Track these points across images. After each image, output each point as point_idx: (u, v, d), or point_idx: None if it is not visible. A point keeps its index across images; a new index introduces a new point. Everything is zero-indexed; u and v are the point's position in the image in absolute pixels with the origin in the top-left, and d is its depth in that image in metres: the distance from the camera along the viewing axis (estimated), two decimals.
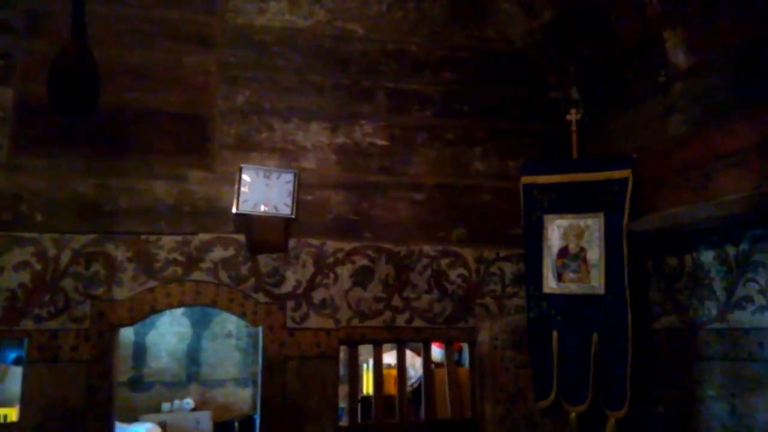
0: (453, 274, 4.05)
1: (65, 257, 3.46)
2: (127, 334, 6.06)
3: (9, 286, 3.37)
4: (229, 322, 6.30)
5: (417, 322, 3.93)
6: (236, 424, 5.87)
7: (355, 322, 3.83)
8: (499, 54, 4.29)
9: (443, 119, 4.18)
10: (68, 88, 2.89)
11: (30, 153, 3.48)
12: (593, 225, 3.78)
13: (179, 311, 6.21)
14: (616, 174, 3.72)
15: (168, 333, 6.13)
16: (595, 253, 3.74)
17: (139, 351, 6.02)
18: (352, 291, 3.86)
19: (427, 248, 4.03)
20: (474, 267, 4.06)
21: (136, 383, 5.96)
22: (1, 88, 3.46)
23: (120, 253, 3.54)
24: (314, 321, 3.76)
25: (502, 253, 4.12)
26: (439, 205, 4.09)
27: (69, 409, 3.33)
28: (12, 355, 5.22)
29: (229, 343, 6.25)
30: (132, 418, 5.62)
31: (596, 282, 3.73)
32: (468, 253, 4.09)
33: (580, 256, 3.79)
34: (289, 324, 3.72)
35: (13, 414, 4.06)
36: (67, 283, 3.44)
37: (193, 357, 6.15)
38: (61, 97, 2.91)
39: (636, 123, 3.77)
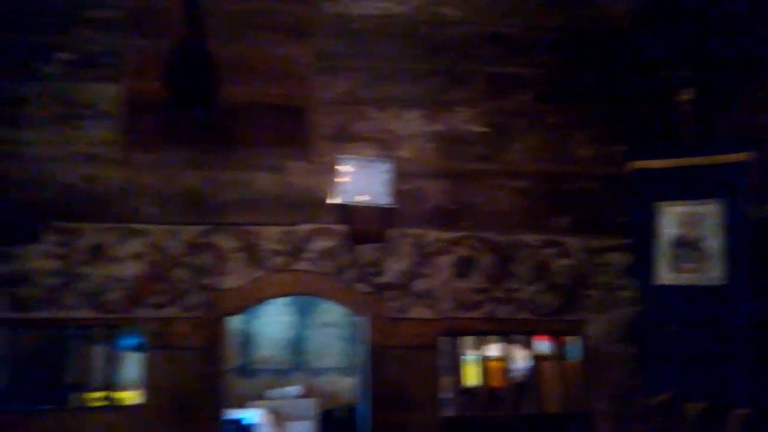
0: (558, 265, 3.89)
1: (177, 248, 3.62)
2: (234, 322, 6.30)
3: (126, 277, 3.56)
4: (331, 312, 6.41)
5: (521, 314, 3.82)
6: (340, 413, 5.97)
7: (457, 313, 3.77)
8: (601, 34, 4.07)
9: (543, 103, 4.01)
10: (187, 83, 2.99)
11: (141, 149, 3.65)
12: (711, 212, 3.51)
13: (283, 300, 6.38)
14: (736, 157, 3.43)
15: (273, 322, 6.32)
16: (713, 242, 3.47)
17: (247, 339, 6.25)
18: (453, 281, 3.79)
19: (530, 238, 3.89)
20: (580, 257, 3.88)
21: (244, 370, 6.18)
22: (111, 86, 3.64)
23: (228, 244, 3.66)
24: (415, 311, 3.74)
25: (610, 243, 3.91)
26: (541, 193, 3.94)
27: (184, 394, 3.49)
28: (130, 342, 5.55)
29: (332, 332, 6.36)
30: (240, 404, 5.84)
31: (715, 272, 3.46)
32: (573, 243, 3.92)
33: (697, 245, 3.53)
34: (391, 314, 3.72)
35: (130, 398, 4.30)
36: (180, 273, 3.60)
37: (297, 345, 6.31)
38: (180, 92, 3.01)
39: (755, 102, 3.45)
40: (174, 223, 3.62)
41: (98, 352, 3.62)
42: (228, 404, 5.76)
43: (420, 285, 3.77)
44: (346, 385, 6.30)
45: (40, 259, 3.49)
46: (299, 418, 5.79)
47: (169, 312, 3.56)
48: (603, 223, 3.94)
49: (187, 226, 3.63)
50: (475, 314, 3.78)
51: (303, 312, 6.39)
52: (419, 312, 3.74)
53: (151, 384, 3.50)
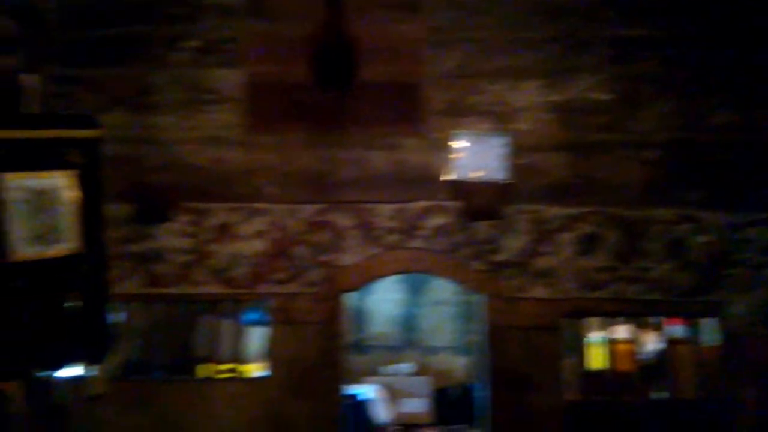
0: (693, 242, 3.61)
1: (297, 226, 3.69)
2: (348, 299, 6.39)
3: (250, 253, 3.68)
4: (443, 290, 6.34)
5: (651, 295, 3.59)
6: (455, 392, 5.92)
7: (581, 293, 3.60)
8: None
9: (674, 67, 3.70)
10: (330, 64, 3.03)
11: (261, 130, 3.73)
12: None
13: (395, 278, 6.38)
14: None
15: (385, 299, 6.35)
16: None
17: (360, 316, 6.32)
18: (576, 260, 3.62)
19: (662, 213, 3.63)
20: (719, 233, 3.58)
21: (358, 347, 6.27)
22: (232, 71, 3.74)
23: (344, 222, 3.68)
24: (536, 291, 3.61)
25: (752, 217, 3.58)
26: (673, 164, 3.66)
27: (306, 368, 3.58)
28: (252, 317, 5.77)
29: (444, 311, 6.30)
30: (354, 379, 5.94)
31: None
32: (710, 218, 3.62)
33: None
34: (509, 293, 3.61)
35: (254, 370, 4.47)
36: (300, 250, 3.67)
37: (409, 323, 6.31)
38: (323, 74, 3.07)
39: None
40: (294, 202, 3.69)
41: (225, 325, 3.77)
42: (345, 379, 5.89)
43: (540, 263, 3.63)
44: (460, 365, 6.23)
45: (172, 237, 3.67)
46: (413, 395, 5.80)
47: (290, 288, 3.65)
48: (744, 196, 3.60)
49: (306, 205, 3.69)
50: (600, 294, 3.60)
51: (415, 290, 6.36)
52: (539, 291, 3.60)
53: (274, 357, 3.62)
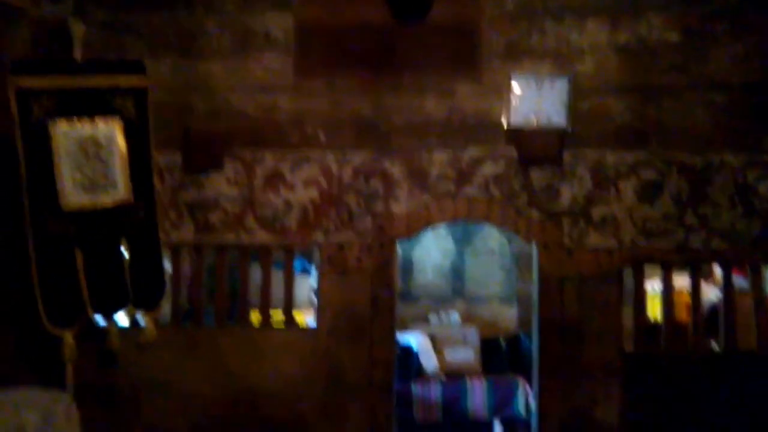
0: (763, 188, 3.43)
1: (347, 174, 3.62)
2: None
3: (301, 201, 3.64)
4: (491, 240, 6.28)
5: (715, 243, 3.43)
6: (502, 342, 5.91)
7: (641, 241, 3.46)
8: None
9: (749, 4, 3.45)
10: None
11: (311, 75, 3.64)
12: None
13: (443, 228, 6.34)
14: None
15: (433, 249, 6.32)
16: None
17: (407, 266, 6.32)
18: (638, 207, 3.48)
19: (730, 158, 3.45)
20: None
21: (405, 296, 6.27)
22: (281, 14, 3.63)
23: (396, 170, 3.60)
24: (594, 239, 3.49)
25: None
26: (745, 107, 3.46)
27: (357, 316, 3.57)
28: (298, 265, 5.81)
29: (492, 261, 6.24)
30: (402, 328, 5.96)
31: None
32: None
33: None
34: (567, 242, 3.50)
35: (304, 319, 4.51)
36: (350, 199, 3.62)
37: (457, 273, 6.28)
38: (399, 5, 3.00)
39: None
40: (344, 149, 3.61)
41: (276, 274, 3.76)
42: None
43: (599, 211, 3.49)
44: (508, 315, 6.21)
45: (222, 185, 3.65)
46: (460, 344, 5.81)
47: (341, 236, 3.61)
48: None
49: (357, 152, 3.61)
50: (662, 243, 3.46)
51: (463, 240, 6.31)
52: (597, 240, 3.48)
53: (325, 305, 3.60)
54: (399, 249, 6.29)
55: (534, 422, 3.50)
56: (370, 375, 3.53)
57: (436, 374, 5.55)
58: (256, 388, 3.58)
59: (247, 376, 3.58)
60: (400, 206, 3.61)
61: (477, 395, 5.32)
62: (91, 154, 3.16)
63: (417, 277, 6.36)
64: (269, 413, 3.56)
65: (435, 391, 5.32)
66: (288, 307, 3.71)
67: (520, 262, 6.22)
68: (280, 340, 3.62)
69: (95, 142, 3.17)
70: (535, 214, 3.53)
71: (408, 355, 5.43)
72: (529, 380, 5.41)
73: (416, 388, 5.32)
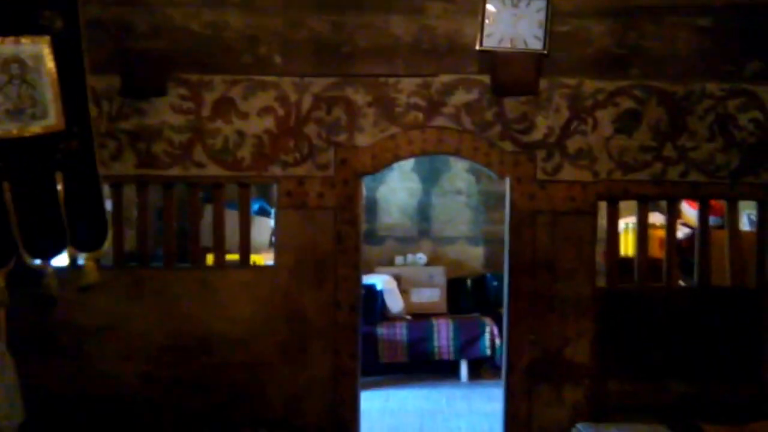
0: (744, 119, 3.28)
1: (306, 102, 3.33)
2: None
3: (255, 132, 3.34)
4: (458, 179, 6.09)
5: (693, 176, 3.28)
6: (469, 282, 5.80)
7: (617, 174, 3.30)
8: None
9: None
10: None
11: None
12: None
13: (408, 166, 6.12)
14: None
15: (398, 188, 6.11)
16: None
17: (371, 206, 6.11)
18: (614, 139, 3.29)
19: (712, 87, 3.27)
20: None
21: (370, 237, 6.09)
22: None
23: (360, 98, 3.33)
24: (569, 173, 3.30)
25: None
26: (730, 32, 3.26)
27: (319, 254, 3.35)
28: (255, 206, 5.53)
29: (459, 201, 6.07)
30: (367, 269, 5.80)
31: None
32: (765, 93, 3.26)
33: None
34: (540, 176, 3.31)
35: (261, 260, 4.28)
36: (310, 129, 3.34)
37: (423, 213, 6.10)
38: None
39: None
40: (303, 75, 3.31)
41: (233, 215, 3.51)
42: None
43: (575, 143, 3.30)
44: (475, 255, 6.09)
45: (167, 113, 3.33)
46: (426, 285, 5.68)
47: (300, 170, 3.35)
48: None
49: (317, 78, 3.31)
50: (639, 176, 3.29)
51: (429, 179, 6.11)
52: (573, 173, 3.30)
53: (285, 243, 3.37)
54: (363, 187, 6.10)
55: (503, 362, 3.38)
56: (333, 316, 3.34)
57: (402, 315, 5.43)
58: (211, 333, 3.36)
59: (200, 319, 3.35)
60: (364, 138, 3.35)
61: (443, 336, 5.23)
62: (16, 77, 2.80)
63: (382, 218, 6.16)
64: (225, 358, 3.35)
65: (401, 332, 5.21)
66: (244, 248, 3.46)
67: (488, 201, 6.07)
68: (236, 280, 3.39)
69: (20, 64, 2.81)
70: (508, 146, 3.32)
71: (373, 296, 5.28)
72: (495, 320, 5.35)
73: (382, 330, 5.20)
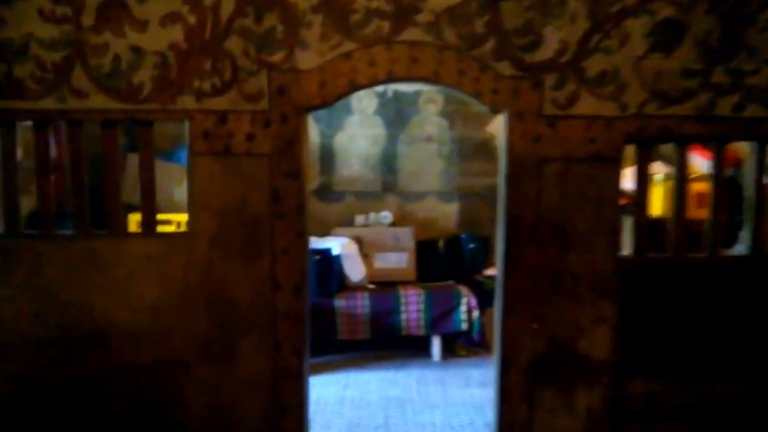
0: None
1: (228, 5, 2.39)
2: (311, 135, 5.22)
3: (157, 48, 2.40)
4: (429, 124, 5.20)
5: (751, 110, 2.47)
6: (441, 244, 4.99)
7: (651, 107, 2.46)
8: None
9: None
10: None
11: None
12: None
13: (371, 108, 5.20)
14: None
15: (359, 135, 5.21)
16: None
17: (327, 156, 5.20)
18: (649, 59, 2.44)
19: None
20: None
21: (325, 193, 5.21)
22: None
23: (302, 1, 2.40)
24: (587, 105, 2.45)
25: None
26: None
27: (249, 220, 2.46)
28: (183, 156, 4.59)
29: (430, 149, 5.20)
30: (322, 232, 4.93)
31: None
32: None
33: None
34: (549, 109, 2.46)
35: (180, 221, 3.37)
36: (233, 45, 2.41)
37: (388, 164, 5.22)
38: None
39: None
40: None
41: (131, 159, 2.57)
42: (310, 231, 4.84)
43: (596, 64, 2.44)
44: (448, 213, 5.26)
45: (34, 21, 2.36)
46: (392, 248, 4.85)
47: (221, 102, 2.44)
48: None
49: None
50: (679, 110, 2.47)
51: (395, 124, 5.21)
52: (593, 106, 2.46)
53: (201, 204, 2.47)
54: (316, 134, 5.20)
55: (496, 359, 2.57)
56: (271, 300, 2.48)
57: (364, 284, 4.60)
58: (107, 323, 2.49)
59: (91, 305, 2.48)
60: (309, 57, 2.44)
61: (412, 308, 4.42)
62: None
63: (340, 170, 5.26)
64: (127, 356, 2.49)
65: (362, 304, 4.39)
66: (147, 211, 2.54)
67: (463, 149, 5.22)
68: (138, 252, 2.48)
69: None
70: (505, 68, 2.44)
71: (329, 263, 4.43)
72: (472, 289, 4.57)
73: (339, 302, 4.36)
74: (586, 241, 2.48)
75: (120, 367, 2.50)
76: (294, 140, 2.48)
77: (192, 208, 2.48)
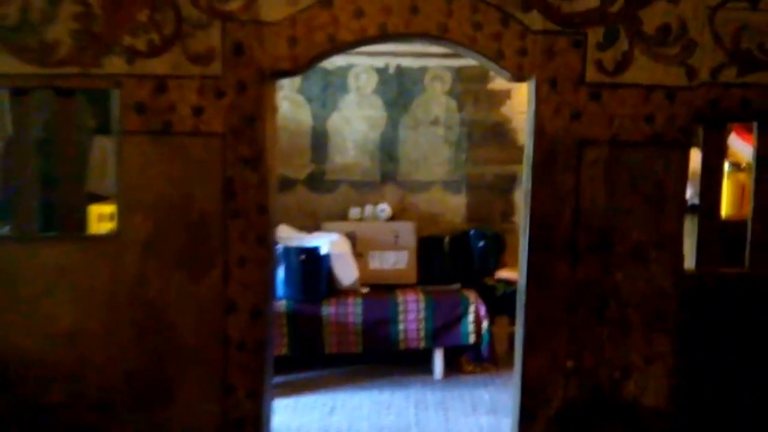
0: None
1: None
2: (301, 116, 4.63)
3: None
4: (435, 105, 4.59)
5: None
6: (446, 242, 4.39)
7: (729, 73, 1.85)
8: None
9: None
10: None
11: None
12: None
13: (369, 87, 4.60)
14: None
15: (355, 117, 4.59)
16: None
17: (319, 141, 4.60)
18: (727, 9, 1.84)
19: None
20: None
21: (316, 182, 4.62)
22: None
23: None
24: (643, 70, 1.86)
25: None
26: None
27: (195, 220, 1.88)
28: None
29: (436, 133, 4.58)
30: (313, 226, 4.34)
31: None
32: None
33: None
34: (592, 76, 1.86)
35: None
36: None
37: (388, 150, 4.62)
38: None
39: None
40: None
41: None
42: (295, 226, 4.31)
43: (655, 14, 1.84)
44: (455, 206, 4.66)
45: None
46: (390, 246, 4.26)
47: (160, 65, 1.86)
48: None
49: None
50: (766, 78, 1.86)
51: (396, 104, 4.60)
52: (650, 72, 1.86)
53: (132, 198, 1.89)
54: (308, 116, 4.60)
55: (514, 406, 1.97)
56: (222, 326, 1.89)
57: (356, 288, 4.01)
58: (9, 352, 1.90)
59: None
60: (276, 5, 1.85)
61: (411, 316, 3.84)
62: None
63: (334, 157, 4.67)
64: (34, 396, 1.91)
65: (354, 312, 3.80)
66: (70, 204, 1.96)
67: (473, 134, 4.61)
68: (51, 262, 1.90)
69: None
70: (535, 20, 1.84)
71: (316, 264, 3.84)
72: (481, 295, 3.98)
73: (328, 309, 3.78)
74: (638, 252, 1.88)
75: (24, 409, 1.92)
76: (255, 116, 1.89)
77: (121, 205, 1.89)
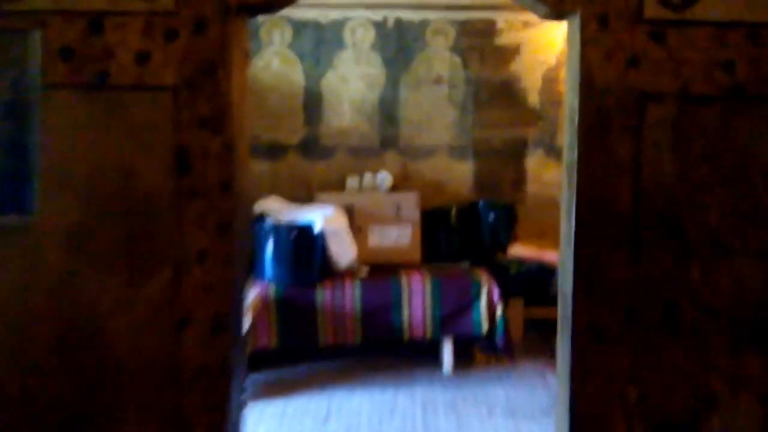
0: None
1: None
2: (293, 75, 4.17)
3: None
4: (438, 62, 4.17)
5: None
6: (453, 214, 3.97)
7: None
8: None
9: None
10: None
11: None
12: None
13: (366, 42, 4.17)
14: None
15: (352, 75, 4.16)
16: None
17: (313, 102, 4.19)
18: None
19: None
20: None
21: (310, 148, 4.21)
22: None
23: None
24: (720, 3, 1.40)
25: None
26: None
27: (139, 199, 1.45)
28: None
29: (440, 93, 4.17)
30: (304, 198, 3.92)
31: None
32: None
33: None
34: (654, 11, 1.42)
35: None
36: None
37: (388, 112, 4.20)
38: None
39: None
40: None
41: None
42: (285, 197, 3.82)
43: None
44: (462, 174, 4.25)
45: None
46: (391, 220, 3.86)
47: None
48: None
49: None
50: None
51: (396, 62, 4.17)
52: (729, 5, 1.41)
53: (54, 176, 1.46)
54: (300, 75, 4.13)
55: None
56: (173, 344, 1.47)
57: (354, 269, 3.60)
58: None
59: None
60: None
61: (416, 301, 3.43)
62: None
63: (329, 120, 4.26)
64: None
65: (351, 298, 3.40)
66: None
67: (480, 93, 4.19)
68: None
69: None
70: None
71: (309, 242, 3.42)
72: (494, 274, 3.57)
73: (322, 294, 3.38)
74: (721, 242, 1.45)
75: None
76: (218, 63, 1.45)
77: (41, 181, 1.46)
